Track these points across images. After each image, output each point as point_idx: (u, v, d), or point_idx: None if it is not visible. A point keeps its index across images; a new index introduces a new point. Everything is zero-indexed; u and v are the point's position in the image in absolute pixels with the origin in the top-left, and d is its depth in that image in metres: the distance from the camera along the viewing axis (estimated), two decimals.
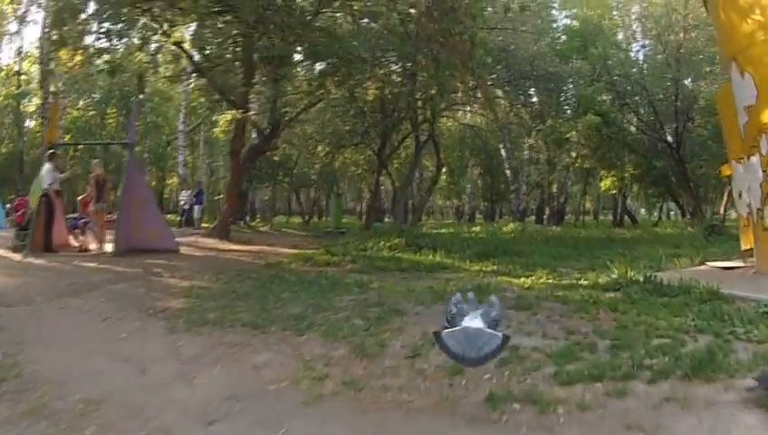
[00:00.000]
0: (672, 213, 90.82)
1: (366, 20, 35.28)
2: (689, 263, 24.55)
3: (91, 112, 70.96)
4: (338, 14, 36.14)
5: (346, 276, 21.44)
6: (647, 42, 56.94)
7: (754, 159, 20.88)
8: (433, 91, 40.12)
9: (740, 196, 23.67)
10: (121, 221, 26.24)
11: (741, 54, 21.16)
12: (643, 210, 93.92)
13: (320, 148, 56.81)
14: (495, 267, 24.51)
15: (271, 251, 30.69)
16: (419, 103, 45.84)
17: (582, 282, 20.08)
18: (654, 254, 28.37)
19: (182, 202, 49.71)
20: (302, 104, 44.35)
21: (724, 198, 49.76)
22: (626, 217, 72.56)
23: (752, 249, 22.89)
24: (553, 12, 56.67)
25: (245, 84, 34.51)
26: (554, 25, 59.24)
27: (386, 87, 42.27)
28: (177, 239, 30.55)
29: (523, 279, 20.99)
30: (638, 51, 61.18)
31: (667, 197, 68.01)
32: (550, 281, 20.76)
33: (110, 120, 70.48)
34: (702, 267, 23.47)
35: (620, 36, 63.42)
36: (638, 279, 18.98)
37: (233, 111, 34.43)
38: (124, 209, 26.43)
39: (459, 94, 45.61)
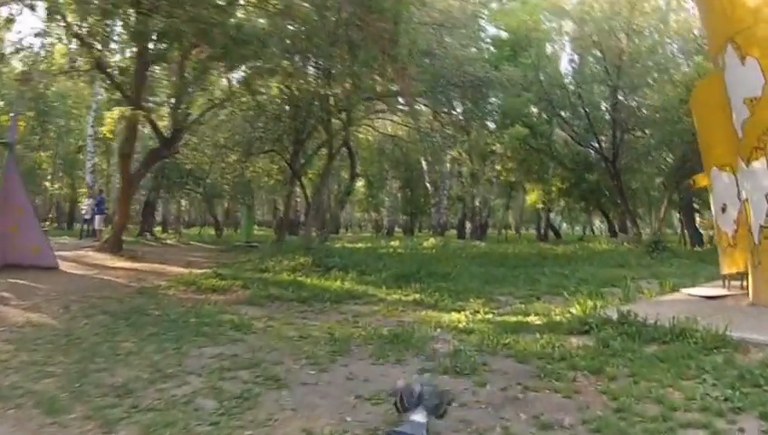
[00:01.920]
0: (596, 228, 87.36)
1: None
2: (659, 290, 20.24)
3: None
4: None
5: (227, 310, 17.04)
6: (582, 49, 51.51)
7: (758, 164, 16.09)
8: (347, 85, 35.18)
9: (723, 210, 19.24)
10: None
11: (741, 35, 16.59)
12: (565, 225, 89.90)
13: (231, 156, 51.03)
14: (418, 295, 19.91)
15: (158, 270, 25.99)
16: (333, 103, 40.00)
17: (533, 319, 15.94)
18: (603, 275, 25.27)
19: (83, 212, 44.72)
20: (207, 105, 39.29)
21: (661, 213, 47.93)
22: (550, 232, 69.50)
23: (738, 274, 18.75)
24: (482, 22, 51.68)
25: (138, 76, 30.19)
26: (482, 35, 54.56)
27: (293, 82, 36.80)
28: (68, 253, 27.43)
29: (454, 315, 16.50)
30: (571, 60, 56.18)
31: (593, 211, 66.65)
32: (489, 317, 16.45)
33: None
34: (678, 296, 19.04)
35: (554, 47, 58.29)
36: (609, 317, 14.41)
37: (121, 109, 29.73)
38: None
39: (378, 101, 43.22)
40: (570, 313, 15.93)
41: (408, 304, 18.56)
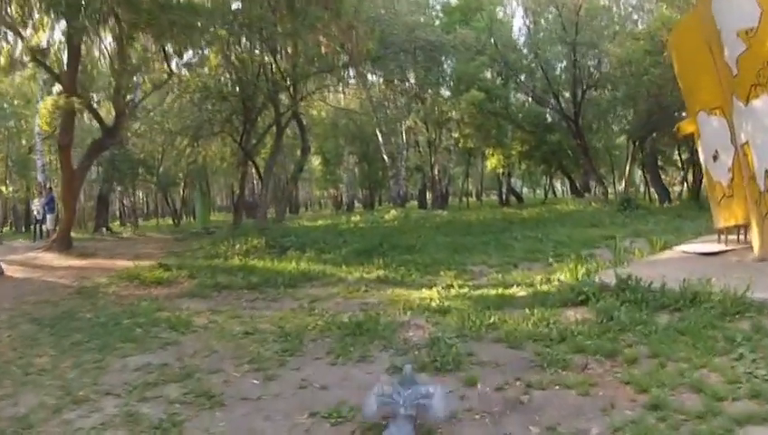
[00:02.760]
0: (558, 190, 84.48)
1: None
2: (649, 249, 18.29)
3: None
4: None
5: (166, 306, 14.82)
6: (538, 6, 49.48)
7: (759, 102, 14.18)
8: (290, 50, 34.10)
9: (715, 158, 17.13)
10: None
11: None
12: (526, 189, 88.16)
13: (179, 141, 47.07)
14: (382, 272, 17.77)
15: (105, 266, 23.23)
16: (279, 75, 38.42)
17: (516, 290, 14.09)
18: (580, 236, 23.69)
19: (35, 212, 42.46)
20: (148, 88, 36.99)
21: (626, 171, 46.29)
22: (511, 197, 67.16)
23: (736, 226, 16.96)
24: None
25: (70, 61, 27.42)
26: (431, 1, 53.34)
27: (232, 51, 34.63)
28: (16, 257, 25.81)
29: (425, 292, 14.49)
30: (525, 20, 53.16)
31: (555, 174, 65.13)
32: (465, 291, 14.26)
33: None
34: (672, 254, 17.09)
35: (506, 11, 56.69)
36: (606, 283, 12.49)
37: (53, 98, 28.31)
38: None
39: (328, 74, 40.97)
40: (558, 280, 14.24)
41: (371, 282, 16.55)
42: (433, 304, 12.81)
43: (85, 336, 11.92)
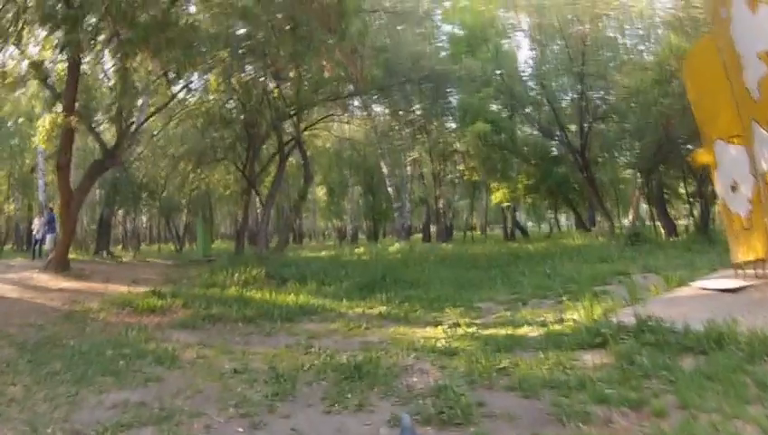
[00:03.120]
0: (563, 224, 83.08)
1: None
2: (664, 286, 16.80)
3: None
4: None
5: (155, 336, 14.04)
6: (543, 38, 48.74)
7: None
8: (292, 73, 32.75)
9: (733, 188, 15.94)
10: None
11: None
12: (530, 223, 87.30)
13: (182, 166, 47.33)
14: (384, 308, 16.94)
15: (99, 290, 22.26)
16: (282, 100, 37.87)
17: (526, 330, 13.16)
18: (589, 272, 22.26)
19: (34, 232, 41.75)
20: (150, 110, 35.95)
21: (634, 204, 46.05)
22: (516, 231, 64.49)
23: (757, 261, 15.45)
24: (436, 19, 49.30)
25: (69, 78, 26.53)
26: (437, 32, 52.51)
27: (234, 75, 33.46)
28: (12, 276, 24.97)
29: (430, 330, 13.73)
30: (533, 51, 52.01)
31: (560, 208, 64.85)
32: (473, 331, 13.31)
33: None
34: (689, 291, 15.69)
35: (512, 42, 54.69)
36: (623, 324, 11.41)
37: (52, 115, 27.80)
38: None
39: (332, 103, 40.13)
40: (573, 320, 13.21)
41: (372, 318, 15.73)
42: (439, 344, 11.94)
43: (64, 365, 11.17)
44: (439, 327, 13.72)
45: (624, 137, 42.69)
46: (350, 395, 8.68)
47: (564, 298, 16.55)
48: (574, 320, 13.16)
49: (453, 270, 25.80)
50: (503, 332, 12.88)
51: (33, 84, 30.41)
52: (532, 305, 16.39)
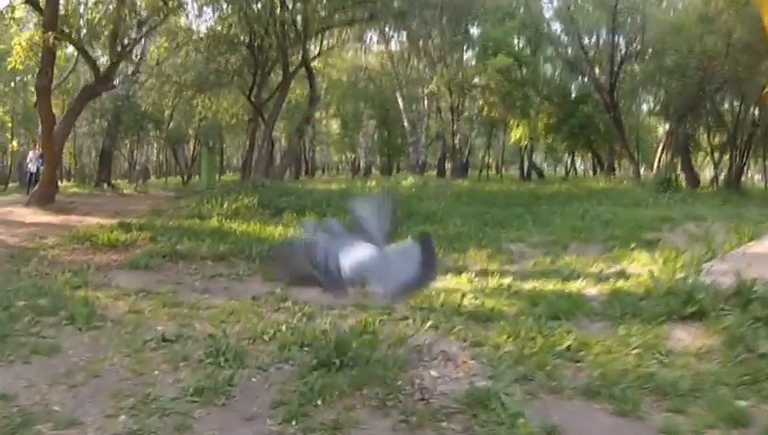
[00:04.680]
0: (579, 168, 78.93)
1: None
2: (737, 240, 13.31)
3: None
4: None
5: (93, 280, 10.71)
6: None
7: None
8: None
9: None
10: None
11: None
12: (546, 165, 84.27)
13: (186, 93, 43.41)
14: None
15: (73, 224, 18.96)
16: (291, 23, 33.49)
17: (581, 285, 9.84)
18: (628, 216, 19.03)
19: (28, 164, 39.05)
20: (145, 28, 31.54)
21: (661, 149, 42.32)
22: (532, 173, 61.56)
23: None
24: None
25: None
26: None
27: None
28: None
29: (452, 279, 10.35)
30: None
31: (579, 150, 59.41)
32: (508, 282, 9.97)
33: None
34: None
35: None
36: (716, 286, 8.39)
37: (29, 33, 26.04)
38: None
39: (346, 26, 37.62)
40: (638, 275, 10.06)
41: None
42: (466, 302, 8.54)
43: None
44: (464, 275, 10.35)
45: (663, 76, 38.91)
46: (319, 402, 5.11)
47: (613, 244, 13.45)
48: (654, 277, 9.55)
49: (472, 207, 22.35)
50: (549, 286, 9.69)
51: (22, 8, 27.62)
52: (575, 251, 13.13)
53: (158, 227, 16.15)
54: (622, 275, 10.33)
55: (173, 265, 11.96)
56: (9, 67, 29.42)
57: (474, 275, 10.37)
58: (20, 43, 25.14)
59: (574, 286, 9.60)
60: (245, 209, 19.78)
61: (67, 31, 25.46)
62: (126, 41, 29.71)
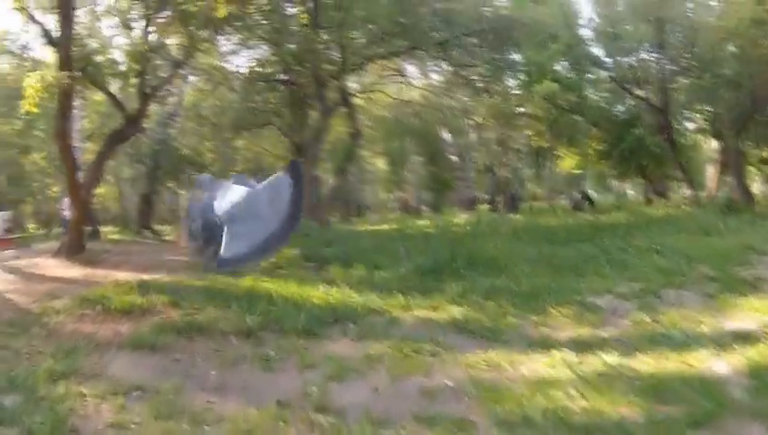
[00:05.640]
0: (629, 194, 76.71)
1: None
2: None
3: None
4: None
5: (83, 366, 8.36)
6: None
7: None
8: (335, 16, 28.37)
9: None
10: None
11: None
12: (594, 193, 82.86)
13: (226, 135, 42.21)
14: (459, 309, 10.74)
15: (94, 280, 16.48)
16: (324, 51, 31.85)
17: (702, 356, 7.62)
18: (707, 248, 16.50)
19: (64, 211, 37.71)
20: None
21: (713, 170, 41.15)
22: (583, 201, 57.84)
23: None
24: None
25: (63, 20, 21.11)
26: None
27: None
28: (17, 262, 20.89)
29: (539, 359, 7.93)
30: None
31: (630, 175, 53.84)
32: (616, 361, 7.64)
33: None
34: None
35: None
36: None
37: (43, 73, 21.88)
38: None
39: (386, 61, 36.99)
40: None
41: (441, 329, 9.63)
42: (566, 401, 6.18)
43: None
44: (554, 353, 7.84)
45: (718, 89, 36.75)
46: None
47: (709, 288, 11.16)
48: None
49: (534, 246, 19.60)
50: (668, 364, 7.36)
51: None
52: (671, 301, 10.65)
53: (181, 288, 13.42)
54: (744, 337, 8.08)
55: (187, 344, 9.44)
56: (22, 111, 28.35)
57: (566, 349, 7.95)
58: (32, 85, 23.21)
59: (695, 360, 7.36)
60: (286, 262, 16.78)
61: (89, 70, 23.65)
62: (155, 82, 27.58)
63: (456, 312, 10.43)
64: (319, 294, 12.27)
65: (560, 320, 9.53)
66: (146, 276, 15.68)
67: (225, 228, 5.69)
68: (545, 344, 8.11)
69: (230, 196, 5.85)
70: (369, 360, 8.17)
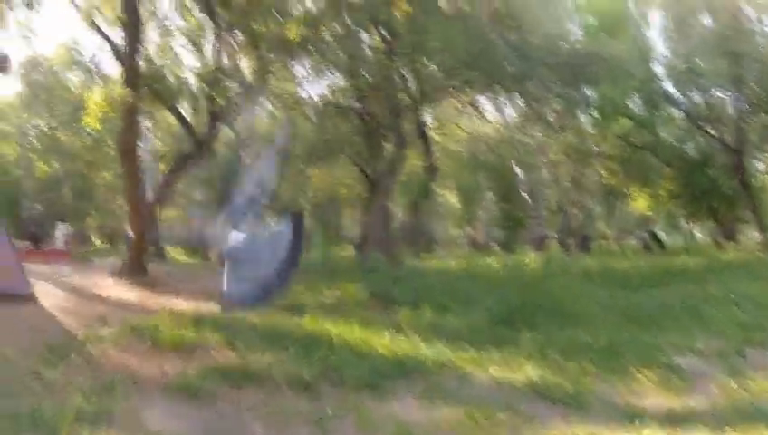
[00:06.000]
0: (697, 236, 71.87)
1: None
2: None
3: None
4: None
5: (124, 408, 7.51)
6: (684, 16, 40.97)
7: None
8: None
9: None
10: None
11: None
12: (663, 234, 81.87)
13: (297, 163, 41.00)
14: (534, 371, 9.61)
15: (148, 306, 16.14)
16: (402, 88, 31.65)
17: None
18: None
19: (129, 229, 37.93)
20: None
21: None
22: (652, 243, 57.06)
23: None
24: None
25: (129, 34, 21.43)
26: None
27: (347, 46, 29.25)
28: (79, 280, 20.52)
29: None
30: (669, 38, 43.41)
31: (697, 218, 54.65)
32: None
33: None
34: None
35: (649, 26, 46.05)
36: None
37: (107, 89, 23.87)
38: None
39: (459, 93, 34.34)
40: None
41: (516, 394, 8.69)
42: None
43: None
44: (644, 431, 6.95)
45: None
46: None
47: None
48: None
49: (607, 290, 18.90)
50: None
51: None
52: (758, 363, 9.89)
53: (238, 324, 12.49)
54: None
55: (234, 394, 8.49)
56: (84, 124, 28.32)
57: (654, 423, 7.14)
58: (95, 101, 23.25)
59: None
60: (352, 300, 16.47)
61: (156, 89, 24.21)
62: (225, 105, 27.11)
63: (533, 373, 9.44)
64: (384, 342, 11.33)
65: (644, 385, 8.66)
66: (204, 306, 15.05)
67: (227, 265, 5.47)
68: (632, 415, 7.24)
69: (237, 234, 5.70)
70: (436, 426, 7.36)
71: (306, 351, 10.35)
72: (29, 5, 21.73)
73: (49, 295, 16.18)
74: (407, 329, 12.21)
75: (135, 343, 11.08)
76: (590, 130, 42.70)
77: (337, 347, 10.82)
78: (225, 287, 6.05)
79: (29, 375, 8.57)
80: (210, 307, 14.75)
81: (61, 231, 31.50)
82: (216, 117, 25.89)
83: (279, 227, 7.80)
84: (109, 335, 11.50)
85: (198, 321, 12.53)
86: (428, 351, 10.60)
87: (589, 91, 38.94)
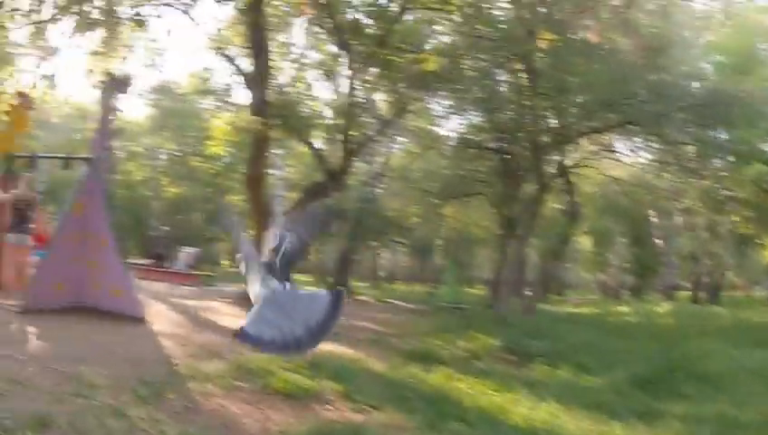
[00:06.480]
0: None
1: None
2: None
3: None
4: None
5: None
6: None
7: None
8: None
9: None
10: (48, 263, 15.38)
11: None
12: None
13: (432, 201, 41.69)
14: None
15: None
16: (545, 127, 31.07)
17: None
18: None
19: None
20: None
21: None
22: None
23: None
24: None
25: (257, 58, 21.57)
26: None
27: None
28: (196, 303, 20.33)
29: None
30: None
31: None
32: None
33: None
34: None
35: None
36: None
37: (234, 115, 24.50)
38: (58, 245, 15.58)
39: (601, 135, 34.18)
40: None
41: None
42: None
43: None
44: None
45: None
46: None
47: None
48: None
49: (743, 350, 17.42)
50: None
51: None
52: None
53: (359, 372, 11.79)
54: None
55: None
56: (209, 151, 28.38)
57: None
58: (219, 127, 24.31)
59: None
60: (484, 352, 15.74)
61: (287, 118, 24.12)
62: (360, 139, 27.57)
63: None
64: (521, 410, 10.14)
65: None
66: (323, 346, 14.04)
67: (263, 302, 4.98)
68: None
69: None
70: None
71: (432, 416, 9.40)
72: (139, 24, 22.04)
73: (162, 318, 15.91)
74: (543, 390, 11.32)
75: (243, 384, 10.14)
76: (725, 174, 40.61)
77: (468, 413, 9.80)
78: (247, 321, 6.13)
79: (112, 412, 7.60)
80: (328, 350, 12.78)
81: (186, 252, 31.36)
82: (350, 151, 25.94)
83: (318, 292, 7.58)
84: (213, 372, 10.54)
85: (316, 365, 11.33)
86: (569, 422, 9.62)
87: (724, 134, 38.18)
